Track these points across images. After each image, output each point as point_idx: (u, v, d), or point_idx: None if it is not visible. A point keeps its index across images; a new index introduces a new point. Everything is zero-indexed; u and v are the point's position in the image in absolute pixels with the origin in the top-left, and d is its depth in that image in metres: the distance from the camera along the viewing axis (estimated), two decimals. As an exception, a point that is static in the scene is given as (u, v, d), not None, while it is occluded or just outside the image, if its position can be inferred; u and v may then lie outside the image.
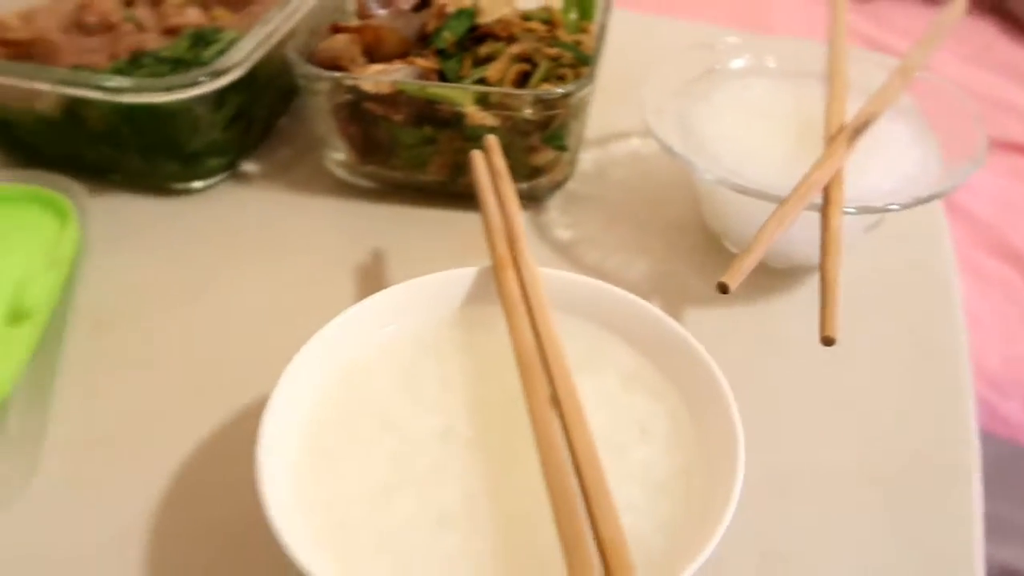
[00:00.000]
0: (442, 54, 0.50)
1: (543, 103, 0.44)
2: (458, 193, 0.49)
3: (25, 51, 0.48)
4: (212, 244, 0.47)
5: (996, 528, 0.37)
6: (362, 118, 0.47)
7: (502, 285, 0.31)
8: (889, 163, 0.42)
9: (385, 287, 0.33)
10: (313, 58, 0.47)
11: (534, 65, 0.49)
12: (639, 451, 0.29)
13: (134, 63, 0.48)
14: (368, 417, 0.30)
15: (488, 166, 0.38)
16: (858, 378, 0.40)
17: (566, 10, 0.55)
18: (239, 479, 0.29)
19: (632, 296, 0.32)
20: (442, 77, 0.48)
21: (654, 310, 0.32)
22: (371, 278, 0.45)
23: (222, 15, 0.53)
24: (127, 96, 0.44)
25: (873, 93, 0.44)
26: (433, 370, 0.31)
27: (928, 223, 0.49)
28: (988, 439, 0.40)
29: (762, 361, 0.40)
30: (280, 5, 0.51)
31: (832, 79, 0.45)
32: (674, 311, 0.42)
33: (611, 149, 0.54)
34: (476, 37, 0.51)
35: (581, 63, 0.49)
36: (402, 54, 0.50)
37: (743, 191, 0.38)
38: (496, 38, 0.51)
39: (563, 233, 0.48)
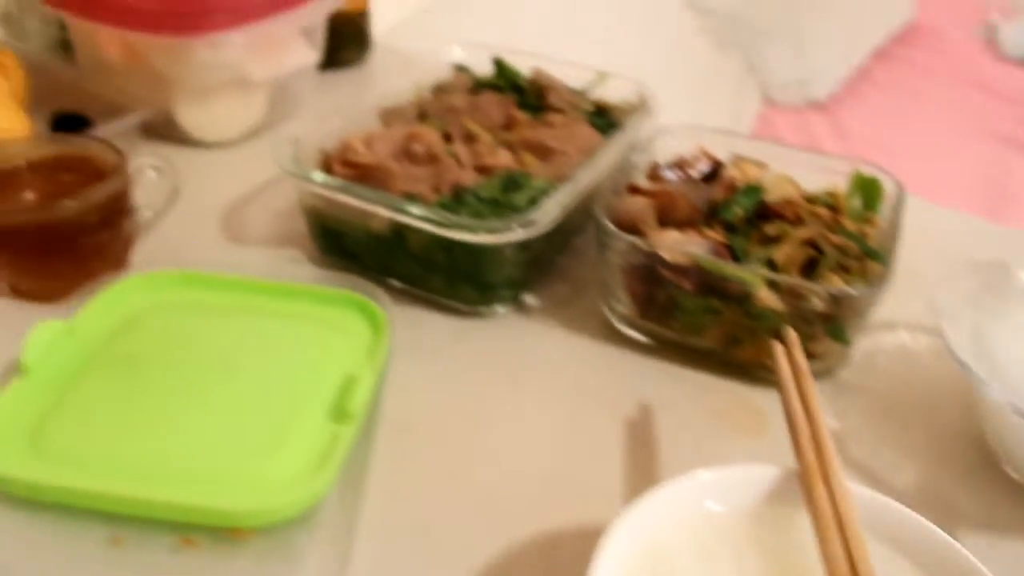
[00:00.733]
0: (729, 227, 0.53)
1: (833, 299, 0.46)
2: (729, 361, 0.51)
3: (366, 174, 0.56)
4: (496, 368, 0.52)
5: None
6: (650, 278, 0.50)
7: (812, 496, 0.33)
8: None
9: (652, 444, 0.35)
10: (612, 215, 0.52)
11: (820, 251, 0.51)
12: None
13: (457, 198, 0.54)
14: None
15: (789, 361, 0.40)
16: None
17: (850, 195, 0.57)
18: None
19: (938, 532, 0.33)
20: (730, 251, 0.51)
21: (954, 545, 0.32)
22: (638, 431, 0.47)
23: (530, 161, 0.59)
24: (453, 232, 0.49)
25: None
26: (731, 563, 0.33)
27: None
28: None
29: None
30: (586, 162, 0.57)
31: None
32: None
33: (879, 338, 0.54)
34: (762, 214, 0.54)
35: (867, 256, 0.50)
36: (691, 221, 0.54)
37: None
38: (782, 218, 0.53)
39: (829, 422, 0.48)
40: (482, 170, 0.58)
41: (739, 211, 0.53)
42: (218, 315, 0.50)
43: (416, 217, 0.50)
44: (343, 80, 0.86)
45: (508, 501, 0.42)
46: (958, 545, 0.32)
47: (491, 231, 0.49)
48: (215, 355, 0.47)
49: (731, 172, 0.57)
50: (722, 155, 0.60)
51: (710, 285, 0.48)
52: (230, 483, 0.39)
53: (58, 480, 0.38)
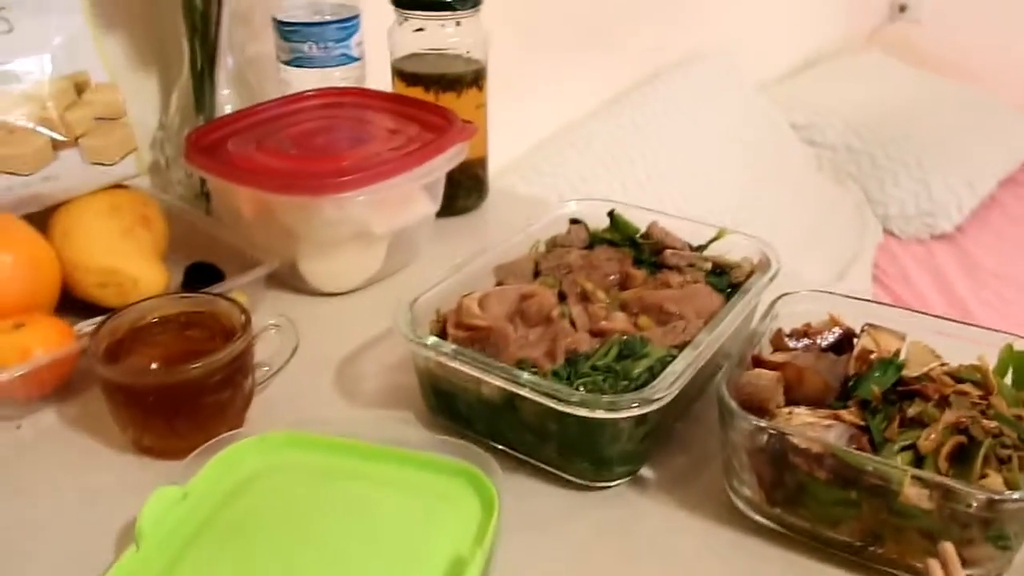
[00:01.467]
0: (865, 405, 0.49)
1: (994, 502, 0.41)
2: (866, 560, 0.46)
3: (480, 336, 0.55)
4: (609, 550, 0.49)
5: None
6: (778, 462, 0.47)
7: None
8: None
9: None
10: (735, 391, 0.49)
11: (971, 437, 0.46)
12: None
13: (571, 366, 0.53)
14: None
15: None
16: None
17: (999, 370, 0.52)
18: None
19: None
20: (868, 434, 0.47)
21: None
22: (768, 637, 0.43)
23: (647, 325, 0.57)
24: (568, 407, 0.48)
25: None
26: None
27: None
28: None
29: None
30: (705, 328, 0.54)
31: None
32: None
33: None
34: (902, 392, 0.50)
35: (1026, 445, 0.45)
36: (822, 399, 0.50)
37: None
38: (924, 397, 0.49)
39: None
40: (597, 334, 0.57)
41: (875, 388, 0.49)
42: (327, 481, 0.50)
43: (528, 387, 0.49)
44: (460, 227, 0.87)
45: None
46: None
47: (608, 407, 0.47)
48: (322, 527, 0.47)
49: (865, 342, 0.53)
50: (852, 322, 0.56)
51: (847, 476, 0.44)
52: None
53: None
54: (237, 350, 0.54)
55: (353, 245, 0.72)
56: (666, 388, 0.48)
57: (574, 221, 0.71)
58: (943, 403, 0.48)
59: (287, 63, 0.86)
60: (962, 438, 0.46)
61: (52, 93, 0.66)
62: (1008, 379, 0.52)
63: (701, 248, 0.67)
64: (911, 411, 0.48)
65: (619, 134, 1.46)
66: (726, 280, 0.63)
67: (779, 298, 0.58)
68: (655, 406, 0.48)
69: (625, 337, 0.55)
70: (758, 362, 0.52)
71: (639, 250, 0.67)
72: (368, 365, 0.65)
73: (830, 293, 0.58)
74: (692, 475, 0.54)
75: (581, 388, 0.50)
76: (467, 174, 0.88)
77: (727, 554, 0.48)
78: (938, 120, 1.97)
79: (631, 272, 0.63)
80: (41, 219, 0.67)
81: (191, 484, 0.48)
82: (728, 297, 0.60)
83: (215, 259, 0.73)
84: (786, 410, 0.49)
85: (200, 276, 0.73)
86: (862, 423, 0.48)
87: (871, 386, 0.50)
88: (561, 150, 1.38)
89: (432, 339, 0.54)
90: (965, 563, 0.44)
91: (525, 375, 0.50)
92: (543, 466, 0.54)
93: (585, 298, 0.61)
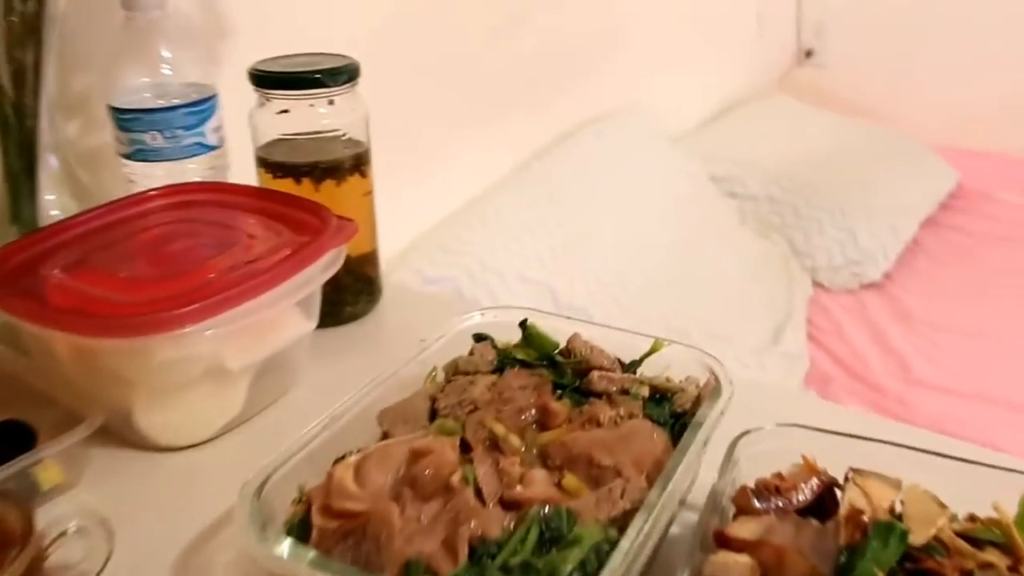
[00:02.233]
0: (867, 595, 0.37)
1: None
2: None
3: (358, 526, 0.42)
4: None
5: None
6: None
7: None
8: None
9: None
10: (698, 588, 0.36)
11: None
12: None
13: (477, 564, 0.39)
14: None
15: None
16: None
17: (1020, 523, 0.41)
18: None
19: None
20: (880, 649, 0.35)
21: None
22: None
23: (575, 488, 0.44)
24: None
25: None
26: None
27: None
28: None
29: None
30: (656, 488, 0.42)
31: None
32: None
33: None
34: (911, 570, 0.38)
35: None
36: None
37: None
38: (940, 576, 0.37)
39: None
40: (511, 505, 0.43)
41: (877, 570, 0.38)
42: None
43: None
44: (349, 338, 0.73)
45: None
46: None
47: (527, 642, 0.34)
48: None
49: (852, 497, 0.42)
50: (829, 461, 0.45)
51: None
52: None
53: None
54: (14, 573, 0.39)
55: (203, 386, 0.57)
56: (605, 600, 0.35)
57: (479, 337, 0.58)
58: (965, 584, 0.37)
59: (128, 157, 0.72)
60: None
61: None
62: (1033, 532, 0.41)
63: (634, 365, 0.55)
64: (927, 599, 0.36)
65: (530, 202, 1.35)
66: (668, 409, 0.51)
67: (739, 438, 0.46)
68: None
69: (546, 511, 0.42)
70: (723, 540, 0.40)
71: (559, 371, 0.55)
72: (221, 552, 0.50)
73: (799, 427, 0.46)
74: None
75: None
76: (354, 275, 0.75)
77: None
78: (855, 164, 1.94)
79: (551, 406, 0.50)
80: None
81: None
82: (673, 434, 0.48)
83: (28, 414, 0.57)
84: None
85: (6, 438, 0.57)
86: (870, 628, 0.36)
87: (869, 567, 0.38)
88: (469, 225, 1.26)
89: (285, 545, 0.39)
90: None
91: (414, 594, 0.36)
92: None
93: (495, 447, 0.48)
